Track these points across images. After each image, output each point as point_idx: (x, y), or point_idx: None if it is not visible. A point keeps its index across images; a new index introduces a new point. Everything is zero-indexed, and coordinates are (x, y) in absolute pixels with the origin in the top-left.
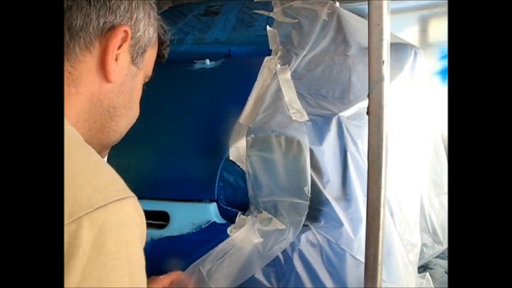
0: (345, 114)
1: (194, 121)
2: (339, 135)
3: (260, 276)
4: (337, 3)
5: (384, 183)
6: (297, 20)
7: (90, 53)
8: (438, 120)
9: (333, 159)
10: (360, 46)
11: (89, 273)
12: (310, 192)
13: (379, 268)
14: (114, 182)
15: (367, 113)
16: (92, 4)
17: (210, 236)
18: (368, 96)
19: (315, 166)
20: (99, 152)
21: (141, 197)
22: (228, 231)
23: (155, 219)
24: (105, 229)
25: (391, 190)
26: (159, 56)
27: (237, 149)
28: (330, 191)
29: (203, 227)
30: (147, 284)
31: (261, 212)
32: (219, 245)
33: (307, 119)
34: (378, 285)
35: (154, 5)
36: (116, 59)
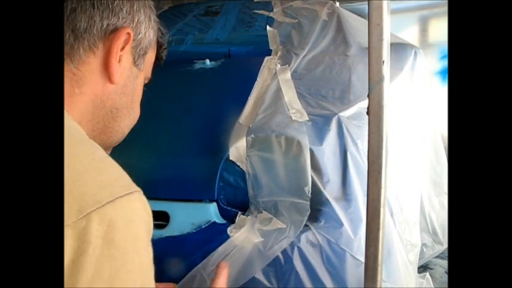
0: (345, 114)
1: (194, 121)
2: (339, 135)
3: (260, 276)
4: (337, 3)
5: (384, 183)
6: (297, 20)
7: (93, 54)
8: (438, 120)
9: (333, 159)
10: (360, 46)
11: (101, 268)
12: (310, 192)
13: (379, 268)
14: (120, 178)
15: (367, 113)
16: (96, 6)
17: (210, 236)
18: (368, 96)
19: (315, 166)
20: None
21: None
22: (228, 231)
23: (155, 219)
24: (113, 224)
25: (391, 190)
26: (157, 58)
27: (237, 149)
28: (330, 191)
29: (203, 227)
30: None
31: (261, 212)
32: (220, 247)
33: (307, 119)
34: (378, 285)
35: (153, 8)
36: (119, 61)
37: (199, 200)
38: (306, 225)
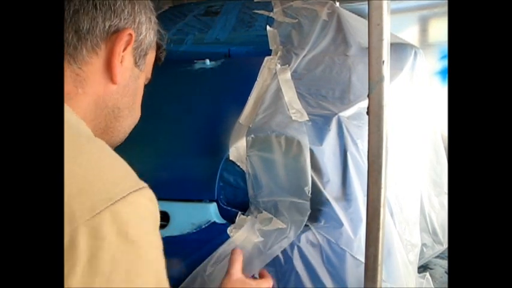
0: (345, 114)
1: (194, 121)
2: (339, 135)
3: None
4: (337, 3)
5: (384, 183)
6: (297, 20)
7: (96, 55)
8: (438, 120)
9: (333, 159)
10: (360, 46)
11: (117, 263)
12: (310, 192)
13: (379, 268)
14: (128, 174)
15: (367, 113)
16: (98, 8)
17: (210, 236)
18: (368, 96)
19: (315, 166)
20: None
21: None
22: (228, 231)
23: None
24: (126, 220)
25: (391, 190)
26: (156, 59)
27: (237, 149)
28: (330, 191)
29: (203, 227)
30: None
31: (261, 212)
32: (220, 248)
33: (307, 119)
34: (378, 285)
35: (153, 10)
36: (121, 61)
37: (199, 200)
38: (306, 225)
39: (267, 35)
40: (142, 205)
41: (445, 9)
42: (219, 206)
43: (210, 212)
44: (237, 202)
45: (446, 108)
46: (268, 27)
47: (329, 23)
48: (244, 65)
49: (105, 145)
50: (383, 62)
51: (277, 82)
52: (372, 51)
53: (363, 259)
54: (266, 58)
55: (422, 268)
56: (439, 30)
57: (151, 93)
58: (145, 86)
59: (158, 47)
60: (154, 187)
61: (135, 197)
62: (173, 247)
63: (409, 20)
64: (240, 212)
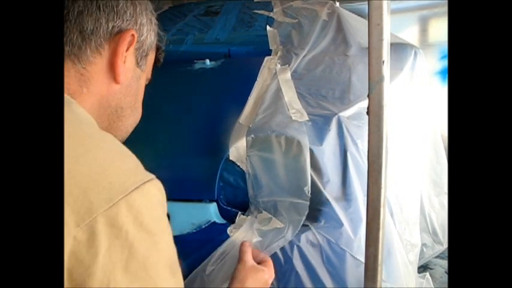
0: (345, 114)
1: (194, 121)
2: (339, 135)
3: None
4: (337, 3)
5: (384, 183)
6: (297, 20)
7: (100, 55)
8: (438, 120)
9: (333, 159)
10: (360, 46)
11: (135, 250)
12: (310, 192)
13: (379, 268)
14: (138, 165)
15: (367, 113)
16: (102, 9)
17: (210, 236)
18: (368, 96)
19: (315, 166)
20: None
21: None
22: (228, 231)
23: None
24: (140, 209)
25: (391, 190)
26: (155, 60)
27: (237, 149)
28: (330, 191)
29: (203, 227)
30: None
31: (261, 212)
32: (219, 248)
33: (307, 119)
34: (378, 285)
35: (154, 12)
36: (124, 62)
37: (199, 200)
38: (306, 225)
39: (267, 35)
40: (154, 195)
41: (445, 9)
42: (219, 206)
43: (210, 212)
44: (237, 202)
45: (446, 108)
46: (268, 27)
47: (329, 23)
48: (244, 65)
49: (115, 139)
50: (383, 62)
51: (277, 82)
52: (372, 51)
53: (363, 259)
54: (266, 58)
55: (422, 268)
56: (439, 30)
57: (152, 93)
58: (146, 86)
59: (157, 49)
60: None
61: (147, 187)
62: None
63: (409, 20)
64: (240, 212)
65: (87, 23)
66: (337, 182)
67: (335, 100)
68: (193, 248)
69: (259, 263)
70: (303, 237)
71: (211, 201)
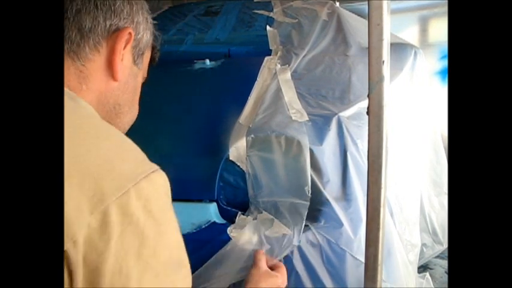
0: (345, 114)
1: (194, 121)
2: (339, 135)
3: None
4: (337, 3)
5: (384, 183)
6: (297, 20)
7: (98, 52)
8: (438, 120)
9: (333, 159)
10: (360, 46)
11: (146, 237)
12: (310, 192)
13: (379, 268)
14: (144, 156)
15: (367, 113)
16: (99, 8)
17: (210, 236)
18: (368, 96)
19: (315, 166)
20: None
21: None
22: (228, 231)
23: None
24: (148, 198)
25: (391, 190)
26: (151, 59)
27: (237, 149)
28: (330, 191)
29: (203, 227)
30: None
31: (261, 212)
32: (220, 251)
33: (307, 119)
34: (378, 285)
35: (149, 11)
36: (121, 59)
37: (199, 200)
38: (306, 225)
39: (267, 35)
40: (161, 184)
41: (445, 9)
42: (219, 206)
43: (210, 212)
44: (237, 202)
45: (446, 108)
46: (268, 27)
47: (329, 23)
48: (244, 65)
49: (119, 131)
50: (383, 62)
51: (277, 82)
52: (372, 51)
53: (363, 259)
54: (266, 58)
55: (422, 268)
56: (439, 30)
57: (152, 93)
58: (145, 86)
59: (153, 48)
60: None
61: (154, 177)
62: None
63: (409, 20)
64: (240, 212)
65: (86, 21)
66: (337, 182)
67: (335, 100)
68: (193, 248)
69: (272, 268)
70: (303, 237)
71: (211, 201)
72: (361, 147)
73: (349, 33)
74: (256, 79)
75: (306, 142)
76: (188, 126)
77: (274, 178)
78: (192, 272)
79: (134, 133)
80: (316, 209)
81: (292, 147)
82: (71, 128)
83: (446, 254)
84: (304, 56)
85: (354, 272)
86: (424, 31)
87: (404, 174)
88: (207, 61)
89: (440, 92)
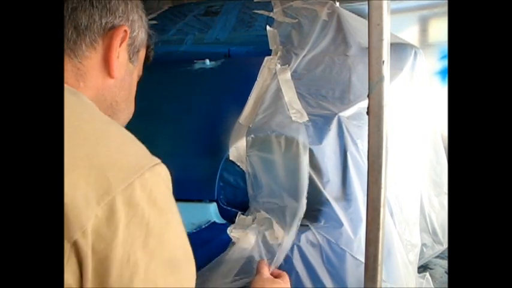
0: (345, 114)
1: (194, 121)
2: (339, 135)
3: None
4: (337, 3)
5: (384, 183)
6: (297, 20)
7: (94, 50)
8: (438, 120)
9: (333, 159)
10: (360, 46)
11: (151, 227)
12: (309, 192)
13: (379, 268)
14: (146, 150)
15: (367, 113)
16: (95, 6)
17: (210, 236)
18: (368, 96)
19: (315, 166)
20: None
21: None
22: (228, 231)
23: None
24: (152, 190)
25: (391, 190)
26: (145, 58)
27: (237, 149)
28: (330, 191)
29: (203, 227)
30: None
31: (261, 212)
32: (222, 255)
33: (307, 119)
34: (378, 285)
35: (144, 10)
36: (117, 57)
37: (199, 200)
38: (306, 225)
39: (267, 35)
40: (162, 177)
41: (445, 9)
42: (219, 206)
43: (210, 212)
44: (237, 202)
45: (446, 108)
46: (268, 27)
47: (329, 23)
48: (244, 65)
49: (120, 125)
50: (383, 62)
51: (277, 82)
52: (372, 51)
53: (363, 259)
54: (266, 58)
55: (422, 268)
56: (439, 30)
57: (152, 93)
58: (146, 86)
59: (147, 47)
60: None
61: (156, 170)
62: None
63: (409, 20)
64: (240, 212)
65: (82, 19)
66: (337, 182)
67: (335, 100)
68: (193, 248)
69: (276, 277)
70: (303, 237)
71: (211, 201)
72: (361, 147)
73: (349, 33)
74: (256, 79)
75: (305, 142)
76: (188, 126)
77: (274, 178)
78: None
79: (134, 133)
80: (316, 209)
81: (292, 147)
82: (77, 122)
83: (446, 254)
84: (304, 56)
85: (354, 272)
86: (424, 31)
87: (404, 174)
88: (207, 61)
89: (440, 92)
